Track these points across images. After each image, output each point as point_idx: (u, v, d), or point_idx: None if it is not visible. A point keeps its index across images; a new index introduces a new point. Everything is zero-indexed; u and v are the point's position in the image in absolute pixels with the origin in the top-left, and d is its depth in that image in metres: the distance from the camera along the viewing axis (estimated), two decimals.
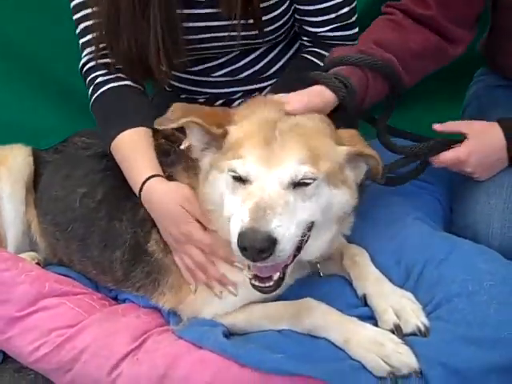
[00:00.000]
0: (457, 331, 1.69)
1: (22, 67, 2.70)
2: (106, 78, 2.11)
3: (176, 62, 2.08)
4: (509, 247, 1.91)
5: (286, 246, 1.56)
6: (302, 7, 2.14)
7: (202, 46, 2.17)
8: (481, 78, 2.33)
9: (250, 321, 1.84)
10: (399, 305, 1.77)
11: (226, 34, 2.10)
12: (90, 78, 2.14)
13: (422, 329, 1.72)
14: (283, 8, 2.13)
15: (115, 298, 2.08)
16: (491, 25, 2.20)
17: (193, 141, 1.80)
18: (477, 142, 1.94)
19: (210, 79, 2.32)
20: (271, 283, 1.64)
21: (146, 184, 1.90)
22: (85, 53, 2.16)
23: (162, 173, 1.93)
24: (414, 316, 1.75)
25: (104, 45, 2.08)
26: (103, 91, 2.10)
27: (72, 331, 1.85)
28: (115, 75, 2.11)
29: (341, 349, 1.72)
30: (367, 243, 1.94)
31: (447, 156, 1.95)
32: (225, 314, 1.86)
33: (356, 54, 1.89)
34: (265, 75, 2.32)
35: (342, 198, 1.73)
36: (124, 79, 2.12)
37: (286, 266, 1.66)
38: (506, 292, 1.72)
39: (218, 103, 2.35)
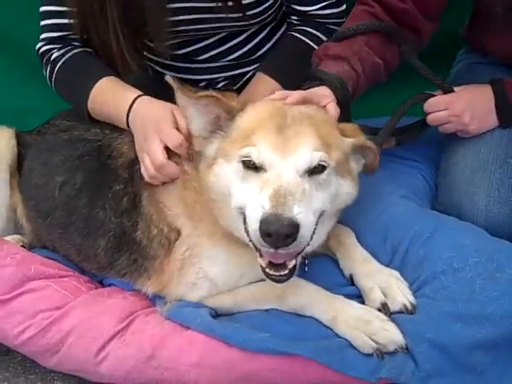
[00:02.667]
0: (442, 308, 1.70)
1: (6, 48, 2.67)
2: (62, 50, 2.12)
3: (160, 46, 2.07)
4: (494, 224, 1.92)
5: (306, 233, 1.55)
6: None
7: (185, 28, 2.15)
8: (464, 56, 2.35)
9: (236, 302, 1.84)
10: (386, 283, 1.78)
11: (209, 15, 2.09)
12: (46, 57, 2.15)
13: (409, 306, 1.74)
14: None
15: (100, 282, 2.06)
16: (473, 9, 2.23)
17: (196, 130, 1.77)
18: (467, 89, 2.01)
19: (194, 65, 2.31)
20: (286, 271, 1.62)
21: (138, 100, 1.92)
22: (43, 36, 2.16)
23: None
24: (401, 294, 1.76)
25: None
26: (64, 61, 2.10)
27: (58, 313, 1.84)
28: (71, 45, 2.12)
29: (328, 327, 1.73)
30: (353, 223, 1.94)
31: (438, 98, 1.99)
32: (211, 297, 1.86)
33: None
34: (250, 58, 2.31)
35: (348, 188, 1.74)
36: (80, 46, 2.13)
37: (298, 255, 1.65)
38: (491, 268, 1.73)
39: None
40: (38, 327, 1.83)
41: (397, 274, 1.82)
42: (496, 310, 1.65)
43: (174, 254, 1.86)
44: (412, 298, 1.76)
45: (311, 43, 2.17)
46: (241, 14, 2.11)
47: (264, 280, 1.72)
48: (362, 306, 1.76)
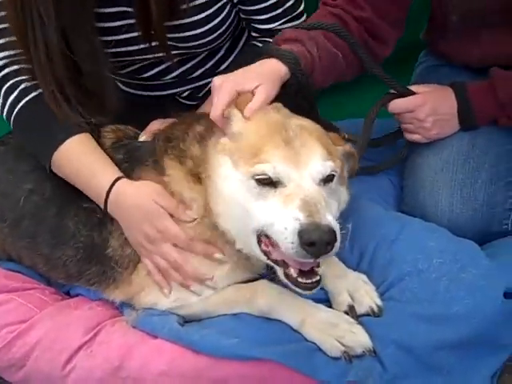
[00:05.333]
0: (408, 309, 1.72)
1: None
2: (31, 83, 1.91)
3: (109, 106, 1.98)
4: (457, 223, 1.95)
5: (339, 238, 1.54)
6: (247, 8, 2.11)
7: (139, 57, 2.14)
8: (425, 58, 2.38)
9: (206, 308, 1.83)
10: (353, 287, 1.79)
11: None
12: (10, 83, 1.92)
13: (376, 309, 1.76)
14: (223, 16, 2.08)
15: (67, 293, 2.03)
16: (430, 16, 2.26)
17: None
18: (431, 93, 2.01)
19: (159, 82, 2.29)
20: (318, 277, 1.60)
21: (114, 187, 1.81)
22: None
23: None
24: (368, 297, 1.78)
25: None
26: (33, 97, 1.91)
27: (23, 327, 1.81)
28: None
29: (296, 331, 1.73)
30: None
31: (403, 100, 2.00)
32: (180, 305, 1.84)
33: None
34: (217, 71, 2.30)
35: (345, 195, 1.76)
36: None
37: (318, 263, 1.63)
38: (455, 268, 1.75)
39: None
40: (3, 342, 1.79)
41: (364, 277, 1.83)
42: (460, 309, 1.67)
43: (145, 265, 1.84)
44: (379, 301, 1.77)
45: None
46: (192, 44, 2.09)
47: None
48: (330, 309, 1.77)
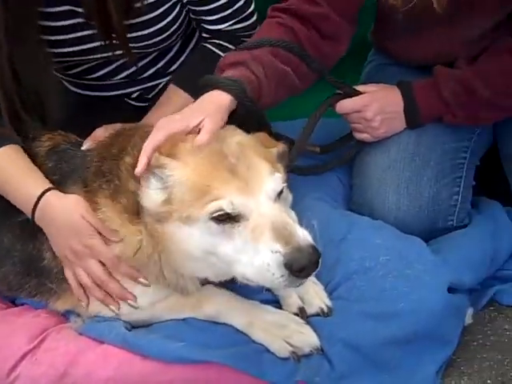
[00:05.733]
0: (355, 308, 1.73)
1: None
2: None
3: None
4: (404, 220, 1.96)
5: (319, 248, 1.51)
6: (197, 8, 2.10)
7: (86, 57, 2.12)
8: (373, 57, 2.39)
9: (152, 314, 1.80)
10: (303, 288, 1.77)
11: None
12: None
13: (325, 309, 1.76)
14: (173, 15, 2.07)
15: (13, 302, 1.98)
16: (377, 15, 2.26)
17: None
18: (378, 93, 2.03)
19: (108, 83, 2.27)
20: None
21: (43, 199, 1.76)
22: None
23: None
24: (317, 298, 1.78)
25: None
26: None
27: None
28: None
29: (244, 333, 1.72)
30: None
31: (350, 101, 2.00)
32: (126, 313, 1.81)
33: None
34: (165, 73, 2.29)
35: (290, 197, 1.73)
36: None
37: None
38: (401, 265, 1.77)
39: None
40: None
41: (313, 278, 1.79)
42: (406, 305, 1.69)
43: None
44: (328, 301, 1.77)
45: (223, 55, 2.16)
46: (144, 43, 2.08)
47: None
48: (278, 310, 1.76)
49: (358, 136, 2.07)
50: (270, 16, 2.03)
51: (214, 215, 1.51)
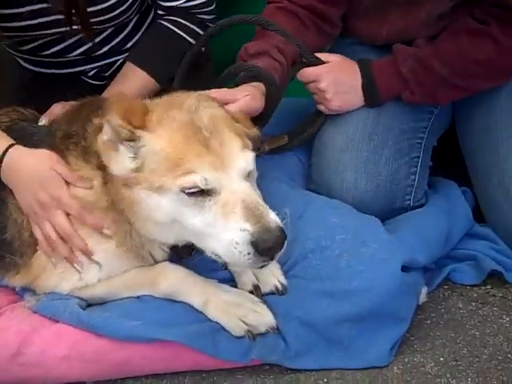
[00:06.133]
0: (311, 286, 1.74)
1: None
2: None
3: None
4: (362, 200, 1.97)
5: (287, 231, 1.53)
6: None
7: (40, 32, 2.09)
8: (338, 38, 2.36)
9: (108, 291, 1.79)
10: None
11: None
12: None
13: (280, 288, 1.77)
14: None
15: None
16: None
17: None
18: (335, 64, 2.04)
19: (64, 59, 2.23)
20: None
21: (7, 155, 1.75)
22: None
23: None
24: (272, 276, 1.78)
25: None
26: None
27: None
28: None
29: (200, 312, 1.72)
30: None
31: (308, 69, 2.02)
32: (83, 288, 1.81)
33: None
34: (121, 49, 2.26)
35: (255, 177, 1.72)
36: None
37: None
38: (356, 244, 1.78)
39: None
40: None
41: None
42: (360, 283, 1.70)
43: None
44: (283, 279, 1.78)
45: (180, 32, 2.14)
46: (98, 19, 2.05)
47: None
48: (234, 289, 1.76)
49: (318, 107, 2.08)
50: (270, 1, 2.12)
51: (188, 191, 1.53)
